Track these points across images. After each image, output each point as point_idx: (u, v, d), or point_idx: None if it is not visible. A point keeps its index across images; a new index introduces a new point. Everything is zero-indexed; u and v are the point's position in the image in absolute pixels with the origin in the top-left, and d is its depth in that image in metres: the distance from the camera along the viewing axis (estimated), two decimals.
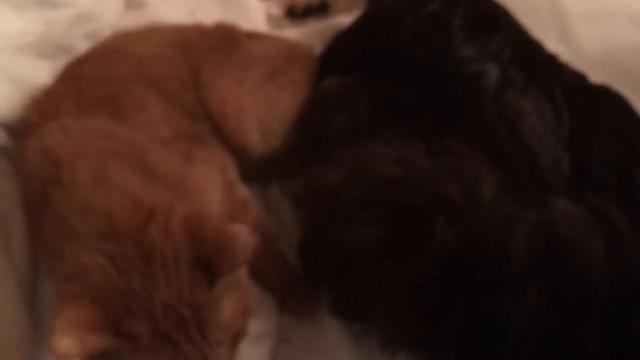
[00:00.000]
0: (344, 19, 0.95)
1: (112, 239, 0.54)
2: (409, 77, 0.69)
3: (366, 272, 0.62)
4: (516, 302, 0.54)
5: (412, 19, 0.72)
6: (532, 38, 0.75)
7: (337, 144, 0.72)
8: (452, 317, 0.57)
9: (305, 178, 0.74)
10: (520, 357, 0.56)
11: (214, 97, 0.81)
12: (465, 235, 0.56)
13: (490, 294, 0.55)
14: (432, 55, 0.69)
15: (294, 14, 1.03)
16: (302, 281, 0.78)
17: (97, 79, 0.77)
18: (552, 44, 0.81)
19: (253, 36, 0.91)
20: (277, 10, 1.05)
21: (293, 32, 0.99)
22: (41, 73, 0.86)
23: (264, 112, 0.82)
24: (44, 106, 0.76)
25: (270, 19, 1.04)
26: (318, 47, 0.91)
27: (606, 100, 0.71)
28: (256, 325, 0.71)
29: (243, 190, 0.81)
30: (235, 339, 0.58)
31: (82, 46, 0.90)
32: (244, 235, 0.54)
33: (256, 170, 0.86)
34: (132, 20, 0.93)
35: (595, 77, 0.78)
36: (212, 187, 0.74)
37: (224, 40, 0.87)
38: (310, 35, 0.97)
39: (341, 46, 0.83)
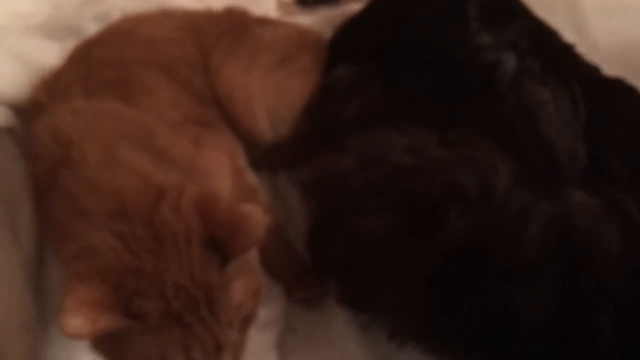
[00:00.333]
0: (355, 6, 0.94)
1: (123, 218, 0.53)
2: (423, 66, 0.68)
3: (375, 261, 0.61)
4: (528, 294, 0.54)
5: (427, 6, 0.71)
6: (549, 27, 0.74)
7: (348, 132, 0.71)
8: (462, 308, 0.57)
9: (314, 166, 0.73)
10: (530, 350, 0.56)
11: (223, 83, 0.80)
12: (478, 226, 0.56)
13: (502, 286, 0.55)
14: (448, 44, 0.68)
15: (304, 1, 1.02)
16: (309, 270, 0.78)
17: (107, 62, 0.77)
18: (567, 37, 0.80)
19: (263, 22, 0.90)
20: None
21: (303, 19, 0.98)
22: (50, 54, 0.85)
23: (273, 99, 0.81)
24: (54, 87, 0.76)
25: (281, 5, 1.02)
26: (328, 34, 0.90)
27: (621, 92, 0.70)
28: (262, 313, 0.70)
29: (251, 177, 0.80)
30: (246, 321, 0.58)
31: (91, 28, 0.89)
32: (256, 217, 0.54)
33: (264, 157, 0.85)
34: (141, 3, 0.91)
35: (609, 70, 0.77)
36: (222, 172, 0.74)
37: (234, 26, 0.86)
38: (320, 22, 0.96)
39: (351, 34, 0.82)
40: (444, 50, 0.68)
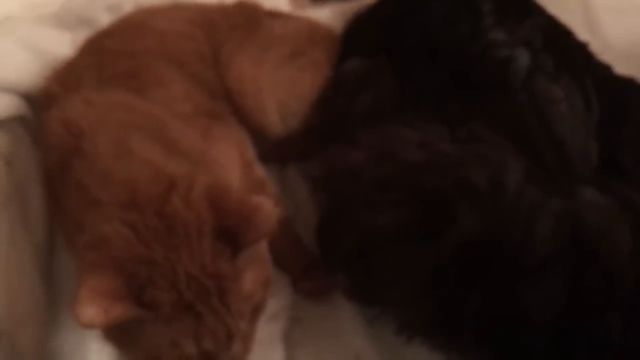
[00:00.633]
0: (367, 1, 0.94)
1: (134, 208, 0.54)
2: (435, 60, 0.68)
3: (385, 255, 0.61)
4: (538, 290, 0.54)
5: (441, 1, 0.71)
6: (563, 25, 0.74)
7: (359, 126, 0.71)
8: (471, 303, 0.57)
9: (324, 160, 0.73)
10: (538, 346, 0.56)
11: (234, 76, 0.81)
12: (489, 222, 0.56)
13: (512, 281, 0.55)
14: (461, 39, 0.67)
15: None
16: (316, 262, 0.78)
17: (119, 53, 0.77)
18: (579, 35, 0.80)
19: (274, 15, 0.90)
20: None
21: (315, 13, 0.98)
22: (62, 44, 0.86)
23: (283, 93, 0.82)
24: (66, 78, 0.76)
25: None
26: (340, 28, 0.90)
27: (633, 91, 0.70)
28: (269, 304, 0.71)
29: (260, 170, 0.80)
30: (256, 310, 0.59)
31: (104, 18, 0.90)
32: (267, 208, 0.54)
33: (274, 151, 0.85)
34: None
35: (620, 69, 0.77)
36: (231, 164, 0.74)
37: (245, 19, 0.86)
38: (332, 16, 0.96)
39: (364, 27, 0.82)
40: (457, 45, 0.68)
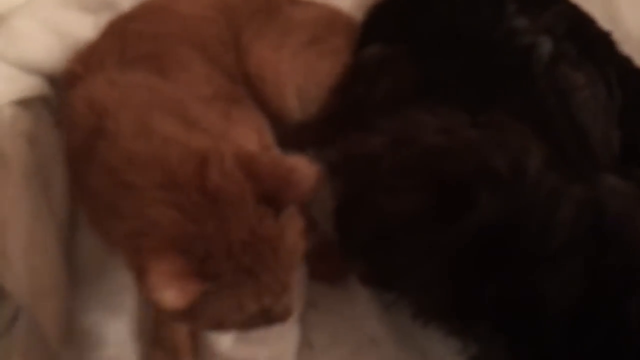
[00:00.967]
0: None
1: (174, 189, 0.54)
2: (456, 47, 0.68)
3: (404, 240, 0.62)
4: (557, 276, 0.54)
5: None
6: (586, 14, 0.74)
7: (378, 112, 0.72)
8: (490, 288, 0.57)
9: (343, 145, 0.73)
10: (556, 332, 0.56)
11: (254, 61, 0.81)
12: (509, 207, 0.56)
13: (531, 267, 0.55)
14: (482, 26, 0.67)
15: None
16: (333, 248, 0.79)
17: (142, 36, 0.77)
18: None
19: (294, 2, 0.90)
20: None
21: (334, 1, 0.98)
22: (85, 27, 0.86)
23: (302, 78, 0.82)
24: (89, 59, 0.77)
25: None
26: (360, 17, 0.90)
27: None
28: None
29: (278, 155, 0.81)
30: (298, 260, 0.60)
31: (126, 2, 0.90)
32: (303, 167, 0.55)
33: (292, 136, 0.85)
34: None
35: None
36: (250, 147, 0.74)
37: (265, 5, 0.86)
38: (352, 4, 0.96)
39: (384, 13, 0.82)
40: (479, 32, 0.68)
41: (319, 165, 0.56)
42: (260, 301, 0.55)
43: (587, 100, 0.62)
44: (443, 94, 0.67)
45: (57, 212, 0.77)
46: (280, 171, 0.55)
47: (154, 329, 0.76)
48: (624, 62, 0.74)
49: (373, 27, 0.82)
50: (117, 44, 0.77)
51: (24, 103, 0.82)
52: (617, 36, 0.80)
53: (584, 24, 0.72)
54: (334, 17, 0.90)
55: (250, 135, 0.77)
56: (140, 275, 0.50)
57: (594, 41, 0.70)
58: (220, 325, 0.56)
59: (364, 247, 0.70)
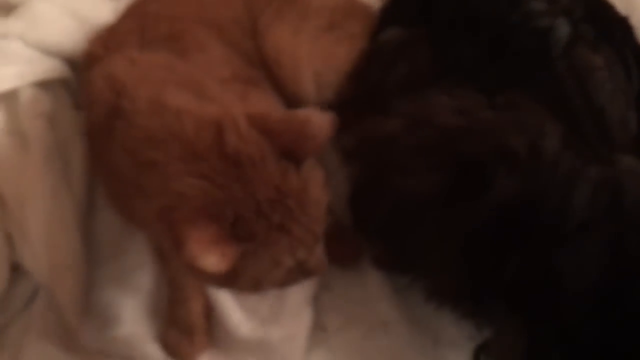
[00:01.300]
0: None
1: (195, 159, 0.55)
2: (473, 29, 0.68)
3: (421, 221, 0.62)
4: (575, 255, 0.54)
5: None
6: None
7: (395, 95, 0.72)
8: (507, 267, 0.57)
9: (360, 128, 0.74)
10: (574, 312, 0.56)
11: (271, 45, 0.81)
12: (527, 187, 0.56)
13: (549, 246, 0.55)
14: (500, 8, 0.67)
15: None
16: (346, 230, 0.79)
17: (161, 18, 0.78)
18: None
19: None
20: None
21: None
22: (103, 12, 0.87)
23: (319, 63, 0.82)
24: (109, 40, 0.78)
25: None
26: (376, 5, 0.91)
27: None
28: None
29: None
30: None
31: None
32: (316, 118, 0.55)
33: None
34: None
35: None
36: None
37: None
38: None
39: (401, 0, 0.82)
40: (496, 14, 0.68)
41: (330, 114, 0.57)
42: (295, 255, 0.56)
43: (605, 81, 0.62)
44: (460, 76, 0.67)
45: (75, 192, 0.78)
46: (295, 125, 0.56)
47: (169, 308, 0.76)
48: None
49: (391, 11, 0.83)
50: (137, 25, 0.78)
51: (44, 85, 0.83)
52: (633, 23, 0.80)
53: (601, 7, 0.71)
54: (351, 4, 0.90)
55: None
56: (179, 248, 0.50)
57: (611, 24, 0.69)
58: (260, 285, 0.57)
59: (381, 229, 0.70)
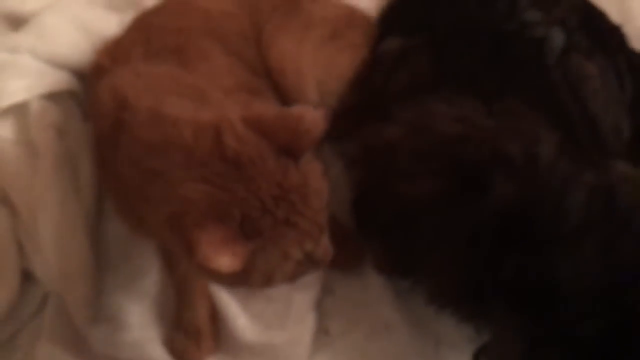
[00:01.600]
0: None
1: (197, 165, 0.56)
2: (471, 39, 0.70)
3: (421, 225, 0.63)
4: (571, 259, 0.55)
5: None
6: (597, 7, 0.76)
7: (395, 102, 0.74)
8: (505, 270, 0.58)
9: (361, 135, 0.76)
10: (570, 316, 0.57)
11: (275, 55, 0.83)
12: (524, 192, 0.57)
13: (545, 251, 0.56)
14: (497, 18, 0.69)
15: None
16: (349, 236, 0.81)
17: (166, 30, 0.80)
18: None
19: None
20: None
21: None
22: (110, 24, 0.89)
23: (322, 72, 0.84)
24: (115, 52, 0.79)
25: None
26: (376, 14, 0.93)
27: None
28: None
29: None
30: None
31: (150, 1, 0.93)
32: (309, 114, 0.57)
33: None
34: None
35: None
36: None
37: (286, 1, 0.89)
38: (367, 2, 0.98)
39: (400, 7, 0.84)
40: (493, 24, 0.70)
41: (322, 109, 0.59)
42: (303, 247, 0.58)
43: (599, 89, 0.64)
44: (459, 84, 0.69)
45: (84, 200, 0.80)
46: (289, 122, 0.57)
47: (176, 312, 0.78)
48: (635, 55, 0.75)
49: (390, 20, 0.85)
50: (143, 37, 0.80)
51: (53, 97, 0.85)
52: (629, 32, 0.82)
53: (595, 16, 0.73)
54: (352, 14, 0.92)
55: None
56: (191, 252, 0.52)
57: (605, 33, 0.71)
58: (271, 280, 0.59)
59: (382, 233, 0.72)
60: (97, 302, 0.77)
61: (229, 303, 0.78)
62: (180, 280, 0.77)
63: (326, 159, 0.90)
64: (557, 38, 0.66)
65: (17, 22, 0.92)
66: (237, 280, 0.58)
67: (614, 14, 0.91)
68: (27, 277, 0.79)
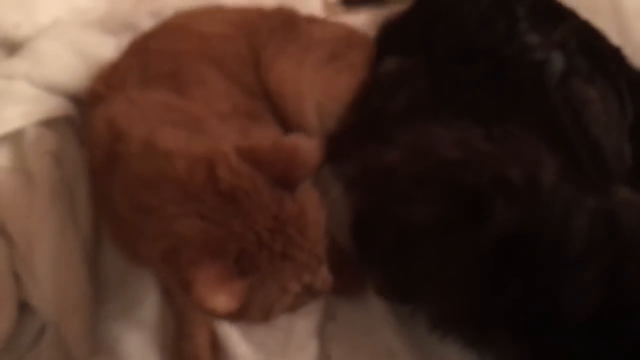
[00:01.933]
0: (400, 8, 0.96)
1: (191, 199, 0.55)
2: (470, 62, 0.70)
3: (423, 249, 0.63)
4: (574, 285, 0.55)
5: (476, 6, 0.73)
6: (597, 29, 0.75)
7: (394, 125, 0.73)
8: (507, 296, 0.58)
9: (360, 158, 0.75)
10: (572, 341, 0.57)
11: (274, 78, 0.83)
12: (525, 217, 0.57)
13: (548, 275, 0.56)
14: (496, 42, 0.69)
15: (350, 2, 1.04)
16: (350, 261, 0.80)
17: (162, 54, 0.80)
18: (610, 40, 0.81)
19: (312, 21, 0.93)
20: None
21: (348, 20, 1.00)
22: (107, 48, 0.89)
23: (321, 94, 0.84)
24: (111, 78, 0.79)
25: (326, 5, 1.05)
26: (374, 34, 0.93)
27: None
28: None
29: None
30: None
31: (146, 24, 0.93)
32: (305, 143, 0.57)
33: None
34: (193, 2, 0.95)
35: None
36: None
37: (284, 23, 0.88)
38: (365, 23, 0.98)
39: (399, 29, 0.84)
40: (492, 47, 0.70)
41: (318, 138, 0.58)
42: (301, 279, 0.57)
43: (599, 114, 0.63)
44: (458, 107, 0.69)
45: (82, 229, 0.79)
46: (284, 153, 0.56)
47: (175, 342, 0.77)
48: (635, 76, 0.75)
49: (388, 42, 0.84)
50: (139, 62, 0.79)
51: (50, 123, 0.84)
52: (628, 49, 0.82)
53: (595, 39, 0.73)
54: (351, 35, 0.92)
55: None
56: (187, 291, 0.51)
57: (605, 56, 0.71)
58: (270, 314, 0.57)
59: (382, 257, 0.71)
60: (95, 332, 0.76)
61: (229, 332, 0.76)
62: (179, 309, 0.76)
63: (326, 180, 0.89)
64: (557, 62, 0.66)
65: (12, 47, 0.91)
66: (235, 316, 0.56)
67: (611, 30, 0.91)
68: (24, 307, 0.78)
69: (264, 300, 0.56)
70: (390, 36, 0.85)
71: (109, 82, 0.79)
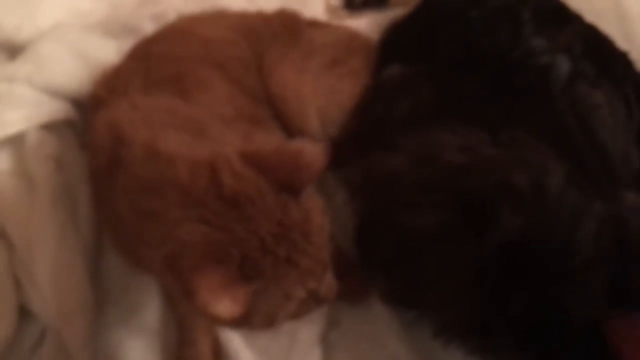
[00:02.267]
0: (403, 12, 0.96)
1: (194, 204, 0.55)
2: (475, 67, 0.69)
3: (427, 256, 0.62)
4: (580, 292, 0.54)
5: (480, 10, 0.72)
6: (603, 33, 0.75)
7: (398, 131, 0.73)
8: (513, 303, 0.57)
9: (364, 165, 0.75)
10: (579, 350, 0.56)
11: (277, 83, 0.83)
12: (531, 224, 0.56)
13: (554, 282, 0.55)
14: (501, 46, 0.69)
15: (352, 5, 1.04)
16: (353, 266, 0.79)
17: (165, 58, 0.79)
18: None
19: (314, 25, 0.92)
20: (335, 1, 1.06)
21: (351, 23, 1.00)
22: (108, 52, 0.89)
23: (323, 100, 0.83)
24: (113, 83, 0.78)
25: (329, 9, 1.05)
26: (376, 38, 0.92)
27: None
28: None
29: None
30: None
31: (148, 27, 0.93)
32: (309, 148, 0.56)
33: None
34: (196, 5, 0.95)
35: None
36: None
37: (286, 28, 0.88)
38: (368, 26, 0.98)
39: (402, 34, 0.83)
40: (497, 51, 0.69)
41: (323, 143, 0.57)
42: (306, 285, 0.56)
43: (606, 118, 0.63)
44: (462, 112, 0.68)
45: (83, 234, 0.78)
46: (288, 158, 0.56)
47: (178, 348, 0.76)
48: None
49: (392, 47, 0.84)
50: (141, 67, 0.79)
51: (51, 127, 0.84)
52: (633, 54, 0.81)
53: (601, 43, 0.73)
54: (353, 40, 0.92)
55: None
56: (190, 297, 0.50)
57: (611, 60, 0.70)
58: (274, 320, 0.57)
59: (386, 264, 0.70)
60: (96, 338, 0.75)
61: (232, 338, 0.76)
62: (181, 315, 0.75)
63: (330, 187, 0.89)
64: (563, 66, 0.65)
65: (13, 50, 0.91)
66: (239, 323, 0.56)
67: (617, 35, 0.91)
68: (24, 312, 0.77)
69: (268, 306, 0.55)
70: (393, 41, 0.85)
71: (111, 86, 0.78)
